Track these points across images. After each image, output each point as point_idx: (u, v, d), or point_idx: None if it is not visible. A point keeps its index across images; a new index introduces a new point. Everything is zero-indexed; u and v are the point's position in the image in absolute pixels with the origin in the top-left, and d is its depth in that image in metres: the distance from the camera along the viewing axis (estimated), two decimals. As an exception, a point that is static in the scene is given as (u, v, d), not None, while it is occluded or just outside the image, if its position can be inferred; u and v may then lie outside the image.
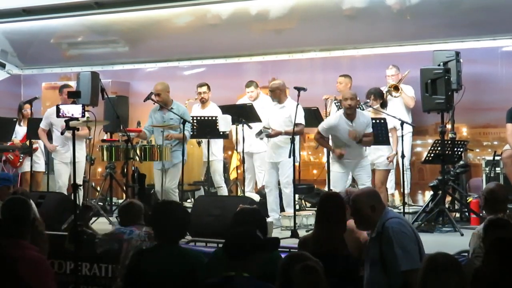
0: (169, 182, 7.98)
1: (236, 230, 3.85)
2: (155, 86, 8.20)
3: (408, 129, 8.54)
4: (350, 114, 7.54)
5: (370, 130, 7.64)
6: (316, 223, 4.85)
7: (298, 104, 7.53)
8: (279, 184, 8.16)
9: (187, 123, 7.95)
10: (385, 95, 8.86)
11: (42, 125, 8.76)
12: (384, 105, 8.48)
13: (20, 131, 9.68)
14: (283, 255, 3.92)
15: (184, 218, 4.37)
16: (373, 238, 4.46)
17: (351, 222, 5.16)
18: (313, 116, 8.86)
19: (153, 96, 8.10)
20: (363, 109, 8.60)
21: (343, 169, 7.62)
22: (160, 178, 7.93)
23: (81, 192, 8.33)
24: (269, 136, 8.02)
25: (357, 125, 7.56)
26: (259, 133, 8.13)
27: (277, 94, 8.06)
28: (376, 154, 8.25)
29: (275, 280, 3.47)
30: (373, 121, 7.77)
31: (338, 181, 7.58)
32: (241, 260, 3.56)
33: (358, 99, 7.78)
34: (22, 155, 9.72)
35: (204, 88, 9.33)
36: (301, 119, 7.78)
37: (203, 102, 9.28)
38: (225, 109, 8.84)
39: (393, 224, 4.30)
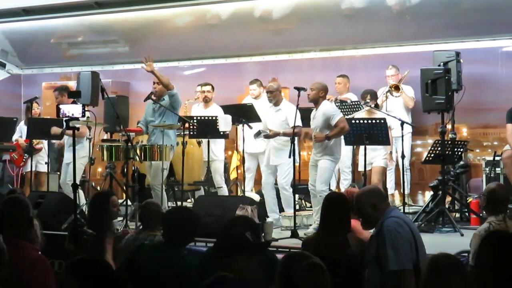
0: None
1: (222, 230, 3.89)
2: None
3: (407, 129, 8.55)
4: (315, 104, 7.55)
5: (335, 120, 7.39)
6: (320, 223, 4.88)
7: (297, 105, 7.53)
8: (275, 184, 8.19)
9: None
10: (383, 95, 8.90)
11: None
12: (376, 107, 8.55)
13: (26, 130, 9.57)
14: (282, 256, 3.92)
15: (192, 224, 4.45)
16: (372, 236, 4.48)
17: (354, 222, 5.16)
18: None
19: (152, 96, 8.14)
20: (362, 109, 8.64)
21: (312, 162, 7.62)
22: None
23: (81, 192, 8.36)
24: (267, 136, 8.03)
25: (316, 115, 7.53)
26: (257, 134, 8.13)
27: (277, 95, 8.12)
28: (372, 155, 8.40)
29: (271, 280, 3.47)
30: (374, 121, 7.77)
31: (310, 172, 7.60)
32: (225, 260, 3.59)
33: (319, 91, 7.56)
34: (26, 154, 9.70)
35: (209, 87, 9.33)
36: (298, 121, 7.80)
37: (206, 101, 9.27)
38: (225, 109, 8.85)
39: (389, 223, 4.31)
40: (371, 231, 4.59)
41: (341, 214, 4.67)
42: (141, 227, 5.76)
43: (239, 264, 3.57)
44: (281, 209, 8.17)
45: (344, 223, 4.66)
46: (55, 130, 8.63)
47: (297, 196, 8.15)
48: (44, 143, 9.54)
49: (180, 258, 4.29)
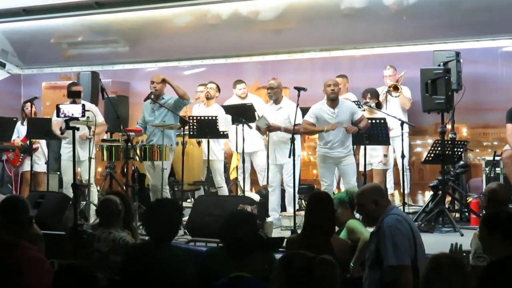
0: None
1: (237, 230, 3.86)
2: (154, 76, 8.31)
3: (405, 129, 8.55)
4: (333, 101, 7.60)
5: (359, 115, 7.67)
6: (304, 223, 4.86)
7: (297, 105, 7.54)
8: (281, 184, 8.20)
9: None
10: (382, 95, 8.91)
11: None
12: (379, 106, 8.56)
13: (23, 130, 9.59)
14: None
15: (173, 218, 4.38)
16: (373, 233, 4.48)
17: (351, 222, 5.16)
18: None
19: (152, 96, 8.14)
20: (361, 108, 8.64)
21: (326, 162, 7.71)
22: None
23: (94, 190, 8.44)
24: (268, 128, 8.00)
25: (339, 112, 7.60)
26: (260, 121, 8.08)
27: (277, 93, 8.15)
28: (372, 155, 8.40)
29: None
30: (374, 121, 7.78)
31: (324, 174, 7.73)
32: (240, 260, 3.57)
33: (339, 87, 7.96)
34: (22, 154, 9.70)
35: (213, 85, 9.35)
36: (299, 120, 7.80)
37: (208, 98, 9.26)
38: (225, 109, 8.85)
39: (389, 220, 4.32)
40: (370, 229, 4.60)
41: (326, 213, 4.65)
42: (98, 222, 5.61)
43: (255, 263, 3.55)
44: (283, 209, 8.17)
45: (329, 222, 4.64)
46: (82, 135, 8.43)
47: (297, 196, 8.15)
48: (42, 143, 9.52)
49: (167, 253, 4.22)
